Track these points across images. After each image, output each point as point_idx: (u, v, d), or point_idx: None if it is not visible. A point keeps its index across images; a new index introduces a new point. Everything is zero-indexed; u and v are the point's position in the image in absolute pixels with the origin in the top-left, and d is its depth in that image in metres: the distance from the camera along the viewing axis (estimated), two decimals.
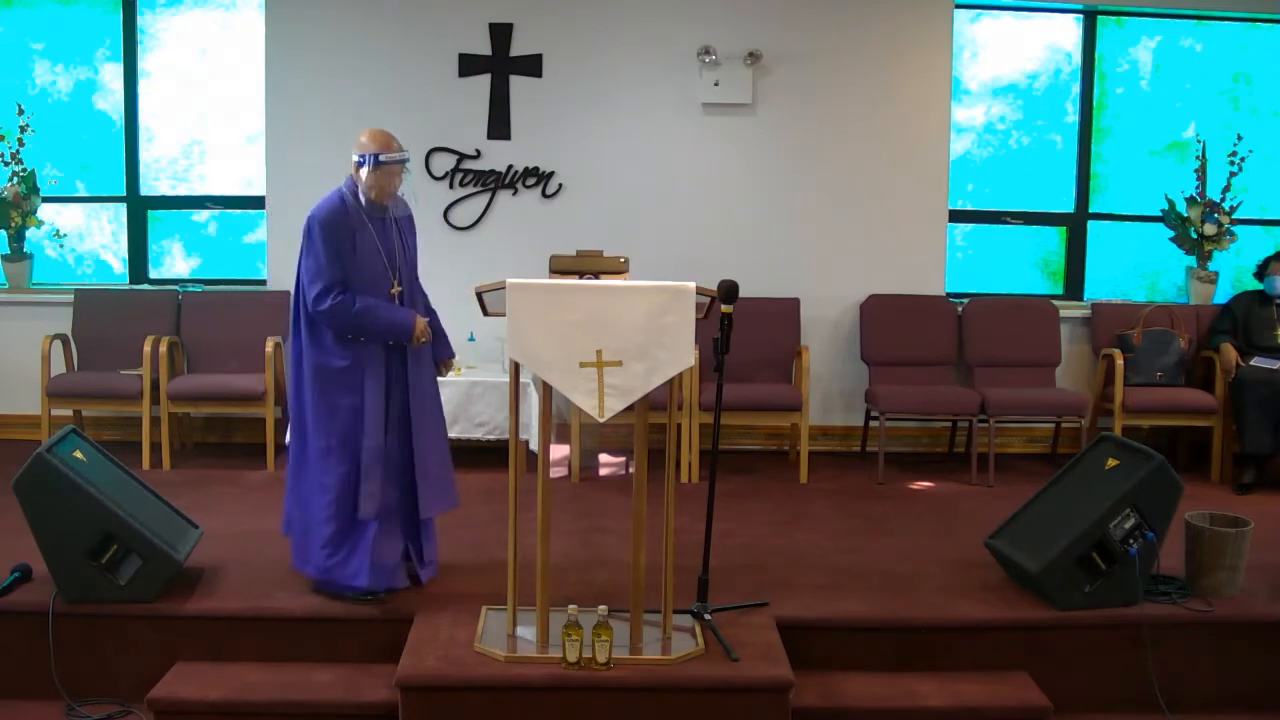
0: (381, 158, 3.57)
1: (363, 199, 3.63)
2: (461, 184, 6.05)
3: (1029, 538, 3.84)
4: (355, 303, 3.56)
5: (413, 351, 3.69)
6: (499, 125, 6.04)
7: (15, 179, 6.00)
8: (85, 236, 6.39)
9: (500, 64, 6.02)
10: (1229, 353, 5.58)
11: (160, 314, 5.90)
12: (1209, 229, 6.11)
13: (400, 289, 3.69)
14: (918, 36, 6.09)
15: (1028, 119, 6.42)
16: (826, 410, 6.18)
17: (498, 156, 6.05)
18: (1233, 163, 6.19)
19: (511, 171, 6.04)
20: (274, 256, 6.06)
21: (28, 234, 6.11)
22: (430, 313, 3.88)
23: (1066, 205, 6.44)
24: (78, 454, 3.64)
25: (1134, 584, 3.57)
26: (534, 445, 4.98)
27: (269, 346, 5.59)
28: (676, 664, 3.24)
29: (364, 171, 3.59)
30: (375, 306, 3.59)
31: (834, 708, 3.35)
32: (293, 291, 3.71)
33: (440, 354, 3.90)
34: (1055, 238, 6.49)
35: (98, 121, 6.28)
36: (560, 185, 6.07)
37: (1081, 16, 6.33)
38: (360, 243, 3.60)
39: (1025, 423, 6.16)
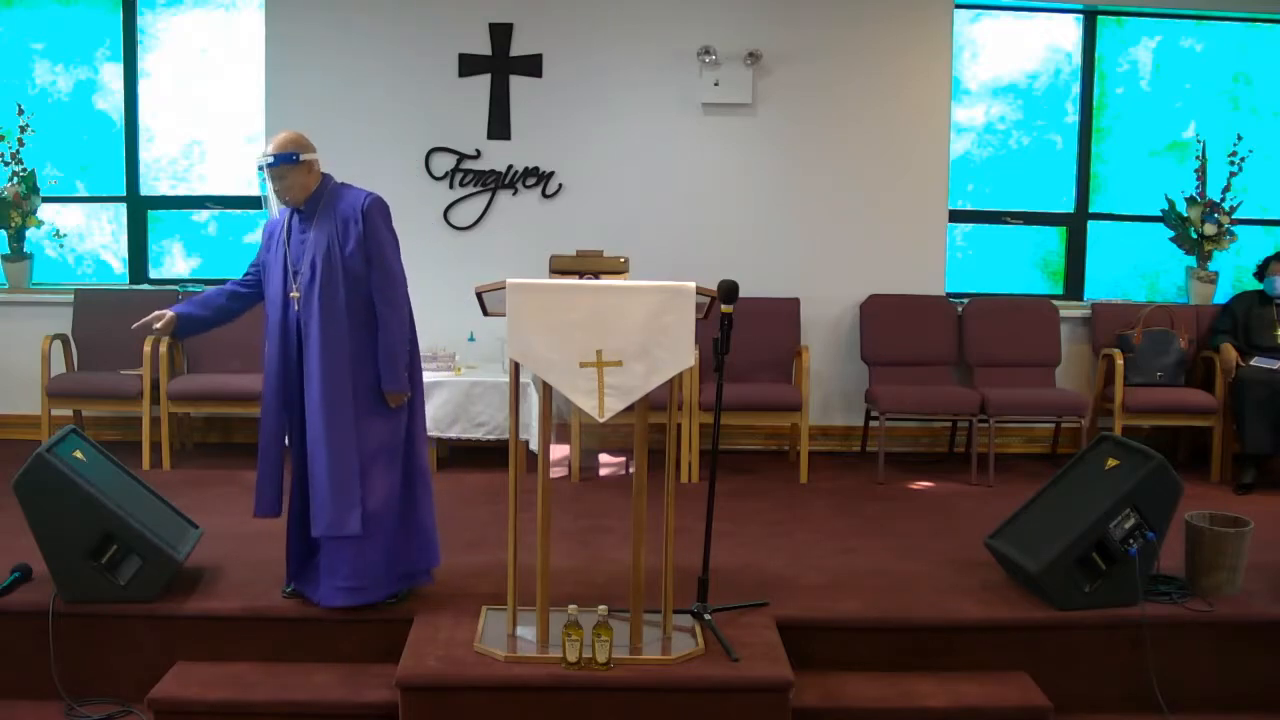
0: (258, 163, 3.54)
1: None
2: (461, 184, 6.05)
3: (1029, 538, 3.84)
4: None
5: (307, 368, 3.51)
6: (499, 125, 6.04)
7: (15, 179, 6.01)
8: (85, 236, 6.39)
9: (500, 64, 6.02)
10: (1229, 353, 5.58)
11: None
12: (1209, 229, 6.11)
13: (297, 294, 3.52)
14: (918, 36, 6.09)
15: (1028, 119, 6.42)
16: (826, 410, 6.18)
17: (498, 156, 6.05)
18: (1233, 163, 6.19)
19: (511, 171, 6.04)
20: None
21: (28, 234, 6.11)
22: (379, 330, 3.53)
23: (1066, 205, 6.44)
24: (78, 454, 3.64)
25: (1134, 584, 3.57)
26: (534, 445, 4.98)
27: None
28: (676, 664, 3.24)
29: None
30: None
31: (834, 708, 3.35)
32: None
33: (382, 382, 3.52)
34: (1055, 238, 6.49)
35: (98, 121, 6.28)
36: (560, 185, 6.07)
37: (1081, 16, 6.33)
38: (274, 245, 3.63)
39: (1025, 423, 6.16)
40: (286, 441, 3.64)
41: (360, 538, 3.49)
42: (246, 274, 3.75)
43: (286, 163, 3.48)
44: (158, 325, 3.63)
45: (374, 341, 3.52)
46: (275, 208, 3.63)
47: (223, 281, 6.06)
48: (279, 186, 3.52)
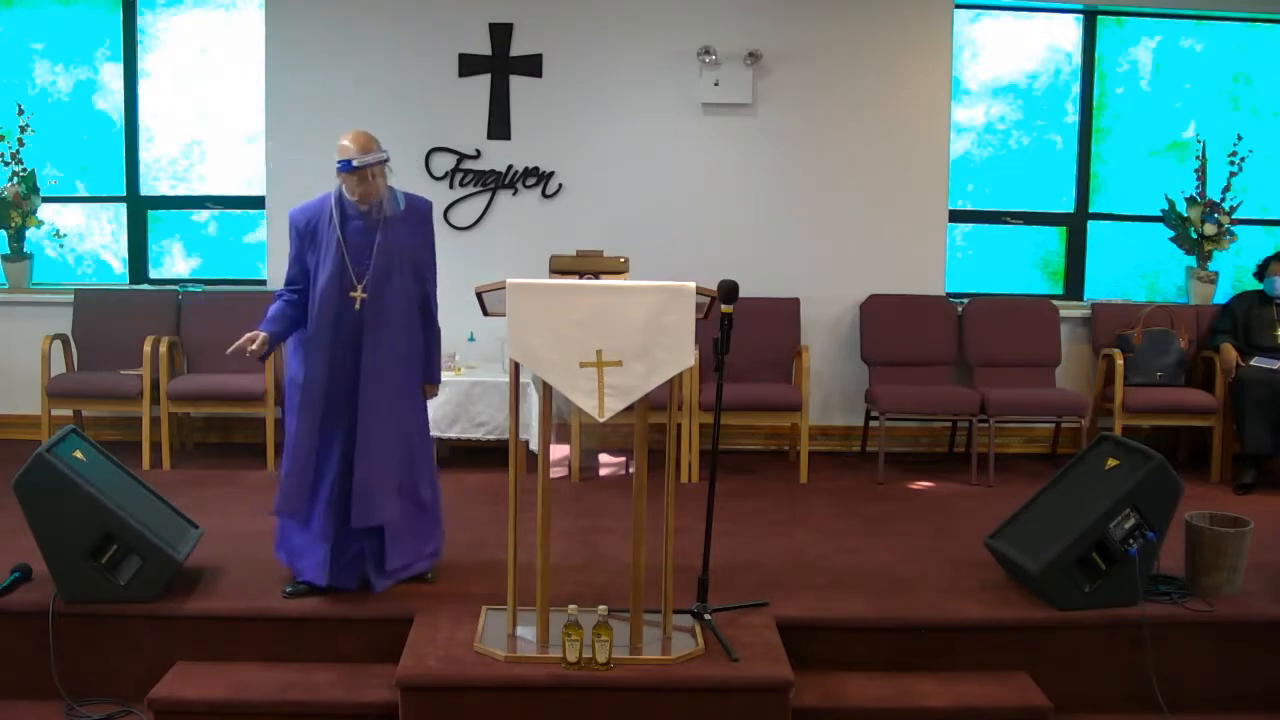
0: (355, 162, 3.52)
1: (346, 200, 3.63)
2: (461, 184, 6.05)
3: (1029, 538, 3.84)
4: (275, 300, 3.70)
5: (366, 365, 3.61)
6: (499, 125, 6.04)
7: (15, 179, 6.00)
8: (85, 236, 6.39)
9: (500, 64, 6.02)
10: (1229, 353, 5.58)
11: (160, 314, 5.90)
12: (1209, 229, 6.11)
13: (363, 295, 3.59)
14: (918, 36, 6.09)
15: (1028, 119, 6.42)
16: (826, 410, 6.18)
17: (498, 156, 6.05)
18: (1233, 163, 6.19)
19: (511, 171, 6.04)
20: (274, 256, 6.06)
21: (28, 234, 6.11)
22: (427, 329, 3.78)
23: (1066, 205, 6.44)
24: (78, 454, 3.64)
25: (1134, 584, 3.57)
26: (534, 445, 4.98)
27: None
28: (676, 664, 3.24)
29: (345, 176, 3.58)
30: (268, 310, 3.68)
31: (834, 708, 3.35)
32: None
33: (431, 377, 3.83)
34: (1055, 238, 6.49)
35: (98, 121, 6.28)
36: (560, 185, 6.07)
37: (1081, 16, 6.33)
38: (324, 242, 3.62)
39: (1025, 423, 6.16)
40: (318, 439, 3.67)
41: (417, 522, 3.76)
42: (292, 282, 3.70)
43: (381, 163, 3.58)
44: (253, 347, 3.57)
45: (417, 339, 3.74)
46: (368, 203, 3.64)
47: (222, 281, 6.09)
48: (367, 186, 3.57)
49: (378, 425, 3.61)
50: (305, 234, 3.67)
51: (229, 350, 3.63)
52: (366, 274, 3.61)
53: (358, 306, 3.60)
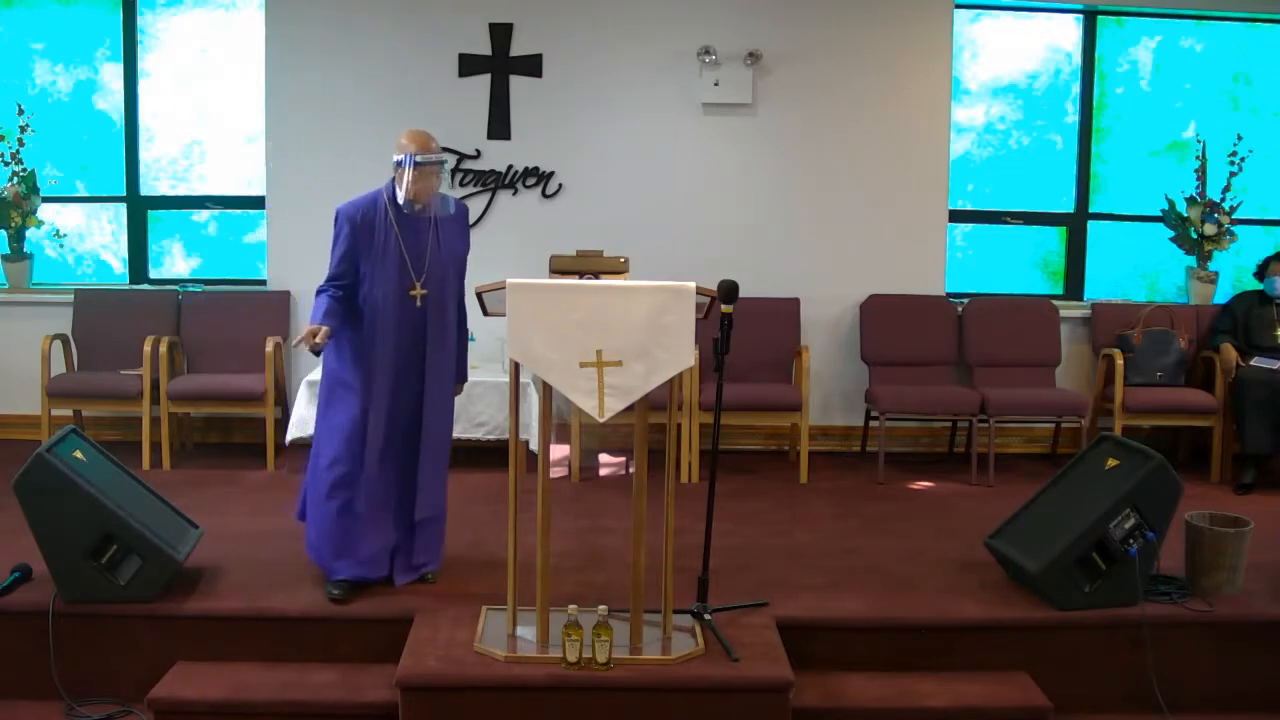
0: (418, 158, 3.59)
1: (400, 199, 3.66)
2: (461, 184, 6.05)
3: (1029, 538, 3.84)
4: (319, 295, 3.68)
5: (431, 364, 3.72)
6: (499, 125, 6.04)
7: (15, 179, 6.00)
8: (85, 236, 6.39)
9: (500, 64, 6.02)
10: (1229, 353, 5.58)
11: (160, 314, 5.90)
12: (1209, 229, 6.11)
13: (423, 291, 3.67)
14: (918, 36, 6.09)
15: (1028, 119, 6.42)
16: (826, 410, 6.18)
17: (498, 156, 6.05)
18: (1233, 163, 6.19)
19: (511, 171, 6.04)
20: (274, 256, 6.06)
21: (28, 234, 6.11)
22: (459, 327, 3.90)
23: (1066, 205, 6.44)
24: (78, 454, 3.64)
25: (1134, 584, 3.57)
26: (534, 445, 4.98)
27: (269, 346, 5.59)
28: (676, 664, 3.24)
29: (402, 172, 3.62)
30: (317, 305, 3.65)
31: (834, 708, 3.35)
32: None
33: (461, 376, 3.97)
34: (1055, 238, 6.49)
35: (98, 121, 6.28)
36: (560, 185, 6.07)
37: (1081, 16, 6.33)
38: (382, 241, 3.64)
39: (1025, 423, 6.16)
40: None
41: (442, 519, 3.92)
42: (339, 278, 3.68)
43: (441, 164, 3.66)
44: (317, 340, 3.53)
45: (454, 337, 3.85)
46: (421, 202, 3.69)
47: (222, 281, 6.09)
48: (424, 184, 3.63)
49: (437, 421, 3.74)
50: (361, 230, 3.66)
51: (295, 344, 3.63)
52: (424, 272, 3.67)
53: (419, 304, 3.67)
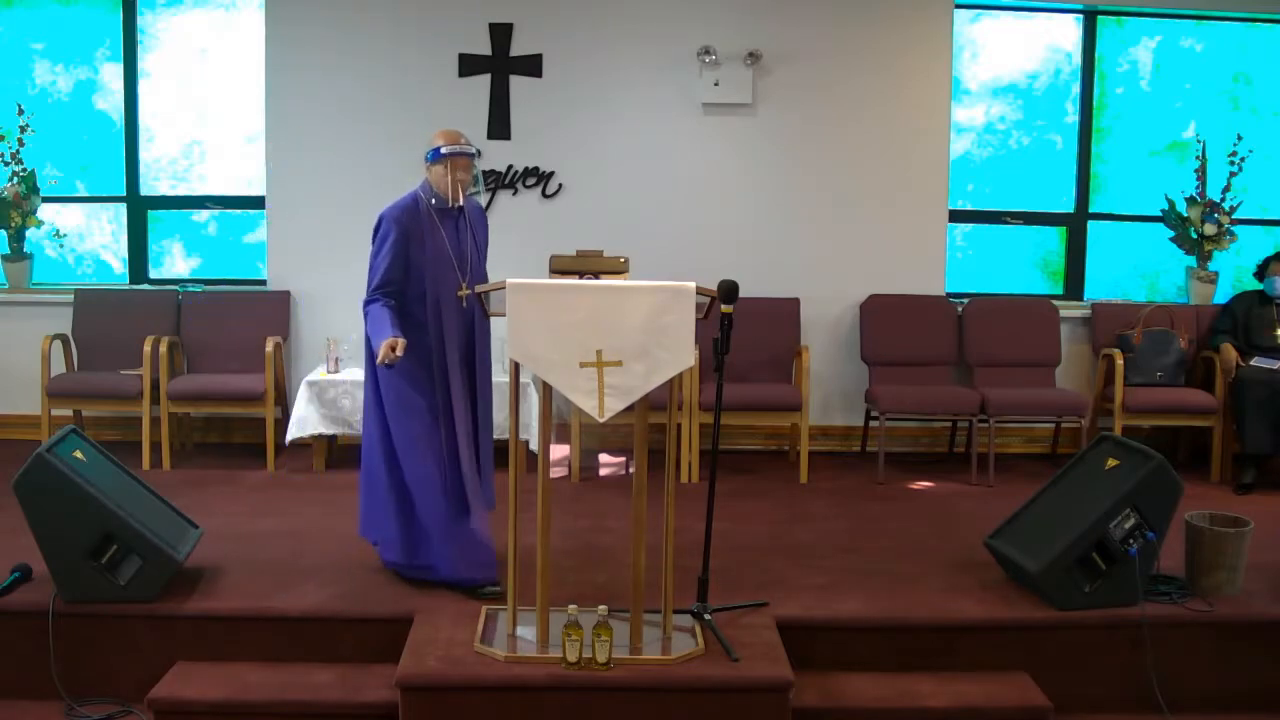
0: (443, 149, 3.66)
1: (434, 198, 3.69)
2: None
3: (1029, 538, 3.84)
4: (373, 305, 3.64)
5: (482, 360, 3.78)
6: (499, 125, 6.04)
7: (15, 179, 6.00)
8: (85, 236, 6.39)
9: (500, 64, 6.02)
10: (1229, 353, 5.58)
11: (160, 314, 5.90)
12: (1209, 229, 6.11)
13: (468, 291, 3.65)
14: (918, 36, 6.09)
15: (1028, 119, 6.42)
16: (826, 410, 6.18)
17: (498, 156, 6.05)
18: (1233, 163, 6.19)
19: (511, 171, 6.04)
20: (274, 256, 6.06)
21: (28, 234, 6.11)
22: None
23: (1066, 205, 6.44)
24: (78, 454, 3.64)
25: (1134, 584, 3.57)
26: (534, 445, 4.98)
27: (269, 346, 5.59)
28: (676, 664, 3.24)
29: (433, 167, 3.68)
30: (378, 316, 3.60)
31: (834, 708, 3.35)
32: None
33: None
34: (1055, 238, 6.49)
35: (98, 121, 6.28)
36: (560, 185, 6.07)
37: (1081, 16, 6.33)
38: (430, 243, 3.66)
39: (1025, 423, 6.16)
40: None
41: None
42: (390, 284, 3.65)
43: (474, 155, 3.75)
44: (397, 353, 3.50)
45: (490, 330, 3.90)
46: (460, 197, 3.75)
47: (222, 281, 6.09)
48: (465, 176, 3.70)
49: (487, 416, 3.81)
50: (412, 233, 3.68)
51: (381, 362, 3.51)
52: (468, 271, 3.72)
53: (465, 304, 3.69)
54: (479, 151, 3.77)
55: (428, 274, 3.66)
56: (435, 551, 3.68)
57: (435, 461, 3.65)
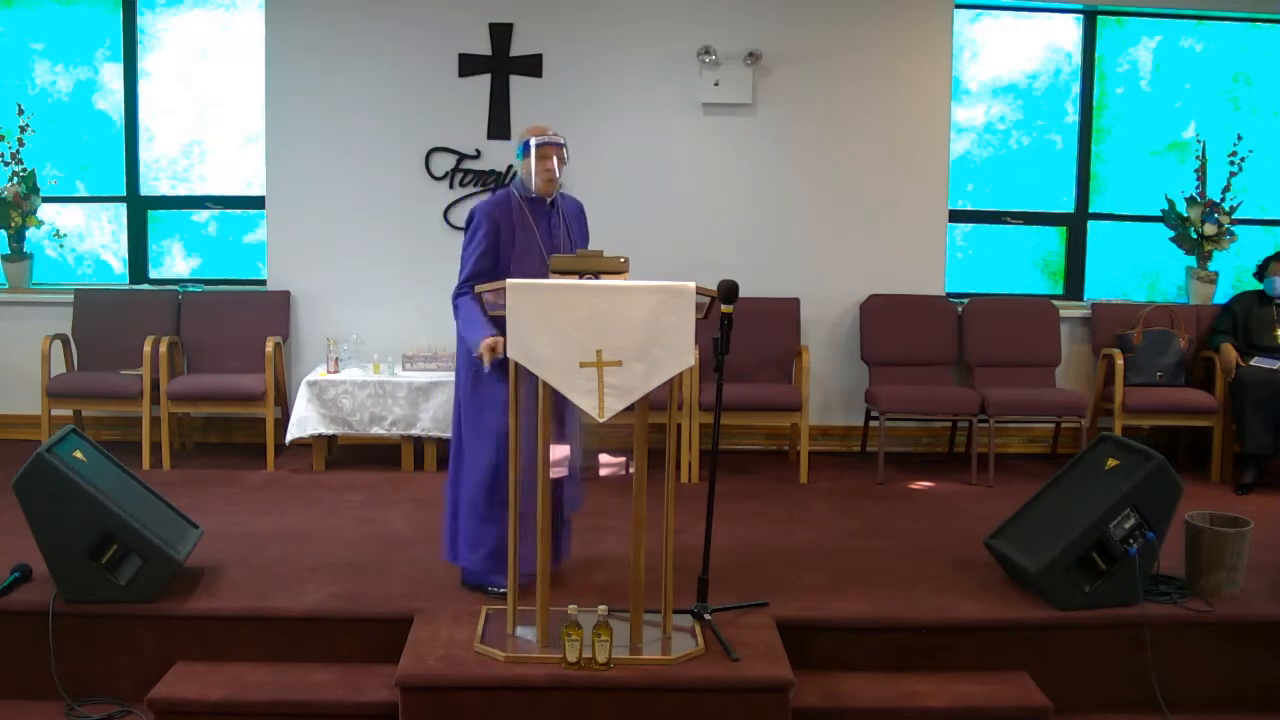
0: (530, 141, 3.63)
1: (530, 192, 3.69)
2: (461, 184, 6.05)
3: (1029, 538, 3.84)
4: (462, 298, 3.63)
5: None
6: (499, 125, 6.04)
7: (15, 179, 6.01)
8: (85, 236, 6.39)
9: (500, 64, 6.02)
10: (1229, 353, 5.58)
11: (160, 314, 5.90)
12: (1209, 229, 6.11)
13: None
14: (918, 36, 6.09)
15: (1028, 119, 6.42)
16: (826, 410, 6.18)
17: (498, 156, 6.05)
18: (1233, 163, 6.19)
19: (511, 171, 6.04)
20: (274, 256, 6.06)
21: (28, 234, 6.11)
22: None
23: (1066, 205, 6.44)
24: (78, 454, 3.64)
25: (1134, 584, 3.57)
26: None
27: (269, 346, 5.59)
28: (676, 664, 3.24)
29: (527, 161, 3.66)
30: (469, 311, 3.57)
31: (834, 708, 3.35)
32: None
33: None
34: (1055, 238, 6.49)
35: (98, 121, 6.28)
36: (560, 185, 6.05)
37: (1081, 16, 6.33)
38: (520, 239, 3.66)
39: (1025, 423, 6.16)
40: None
41: None
42: (479, 277, 3.60)
43: (562, 145, 3.69)
44: (498, 351, 3.47)
45: None
46: (550, 189, 3.72)
47: (222, 281, 6.09)
48: (559, 170, 3.68)
49: (571, 413, 3.76)
50: (505, 229, 3.67)
51: (486, 370, 3.50)
52: None
53: None
54: (563, 142, 3.71)
55: (515, 267, 3.64)
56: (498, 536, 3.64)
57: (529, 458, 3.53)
